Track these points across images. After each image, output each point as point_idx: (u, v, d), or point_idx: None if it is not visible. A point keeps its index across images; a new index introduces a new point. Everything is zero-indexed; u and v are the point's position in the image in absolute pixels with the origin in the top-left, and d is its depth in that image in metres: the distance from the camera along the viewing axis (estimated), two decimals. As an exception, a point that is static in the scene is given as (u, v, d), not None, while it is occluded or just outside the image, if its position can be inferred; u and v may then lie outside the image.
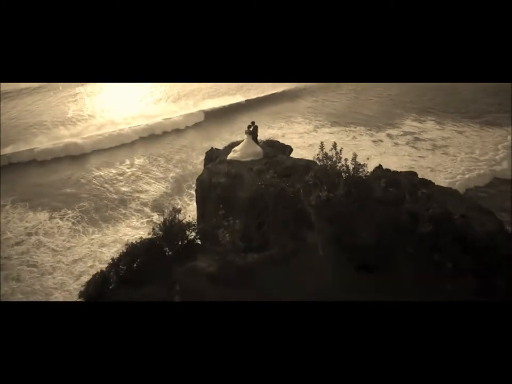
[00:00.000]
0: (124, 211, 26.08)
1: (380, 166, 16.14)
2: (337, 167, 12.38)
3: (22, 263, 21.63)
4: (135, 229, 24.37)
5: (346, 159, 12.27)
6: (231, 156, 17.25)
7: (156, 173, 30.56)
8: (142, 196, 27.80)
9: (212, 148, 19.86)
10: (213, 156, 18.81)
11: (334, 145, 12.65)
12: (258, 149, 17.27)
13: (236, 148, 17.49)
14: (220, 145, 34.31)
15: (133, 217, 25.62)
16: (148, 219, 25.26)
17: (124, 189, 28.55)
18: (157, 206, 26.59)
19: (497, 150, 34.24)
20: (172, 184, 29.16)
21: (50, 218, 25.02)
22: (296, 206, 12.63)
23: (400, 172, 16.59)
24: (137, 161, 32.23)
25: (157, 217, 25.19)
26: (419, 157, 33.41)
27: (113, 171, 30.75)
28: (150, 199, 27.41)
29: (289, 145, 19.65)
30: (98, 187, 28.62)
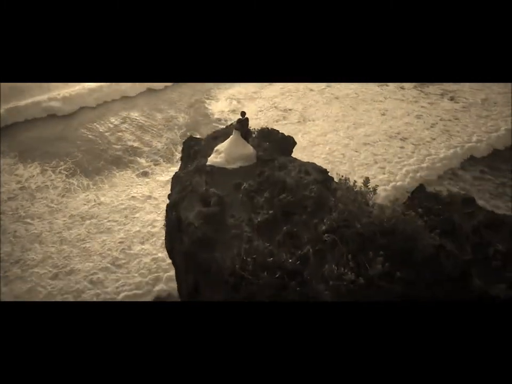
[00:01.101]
0: (118, 162, 25.35)
1: (422, 186, 12.13)
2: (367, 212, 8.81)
3: (18, 219, 21.05)
4: (130, 183, 23.76)
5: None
6: (212, 159, 12.88)
7: (151, 123, 29.46)
8: (136, 145, 27.01)
9: (191, 136, 16.24)
10: (191, 151, 14.38)
11: (366, 181, 9.45)
12: (249, 149, 12.97)
13: (220, 147, 13.14)
14: (215, 97, 33.09)
15: (128, 168, 24.93)
16: (143, 170, 24.71)
17: (118, 141, 27.59)
18: (150, 156, 25.97)
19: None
20: (168, 135, 28.18)
21: (42, 171, 24.18)
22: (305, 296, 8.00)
23: (449, 195, 11.94)
24: (133, 113, 30.97)
25: (153, 167, 24.71)
26: (428, 103, 31.77)
27: (108, 124, 29.55)
28: (145, 150, 26.59)
29: (291, 137, 15.14)
30: (91, 140, 27.58)
